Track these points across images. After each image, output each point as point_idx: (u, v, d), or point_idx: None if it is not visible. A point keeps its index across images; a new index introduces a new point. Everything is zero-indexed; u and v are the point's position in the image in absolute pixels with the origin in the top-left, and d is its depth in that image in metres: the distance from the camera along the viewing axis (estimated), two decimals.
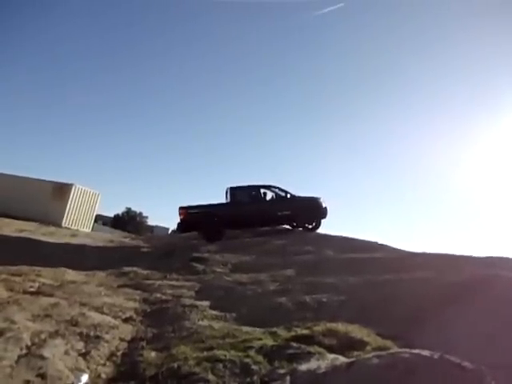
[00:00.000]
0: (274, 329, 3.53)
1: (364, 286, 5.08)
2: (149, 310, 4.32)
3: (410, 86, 63.65)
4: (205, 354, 2.81)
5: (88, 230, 18.15)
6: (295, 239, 10.21)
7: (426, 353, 2.00)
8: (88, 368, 2.68)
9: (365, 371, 2.04)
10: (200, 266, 7.19)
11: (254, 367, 2.51)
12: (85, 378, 2.42)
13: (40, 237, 10.14)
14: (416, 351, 2.03)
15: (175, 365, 2.59)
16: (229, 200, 11.64)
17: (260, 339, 3.18)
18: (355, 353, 2.79)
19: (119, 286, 5.43)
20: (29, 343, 2.88)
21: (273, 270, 6.58)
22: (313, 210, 11.57)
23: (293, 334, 3.33)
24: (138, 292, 5.12)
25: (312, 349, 2.82)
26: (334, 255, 7.55)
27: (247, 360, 2.63)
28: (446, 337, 3.22)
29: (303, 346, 2.90)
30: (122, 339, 3.31)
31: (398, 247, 8.77)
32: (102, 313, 3.94)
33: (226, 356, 2.71)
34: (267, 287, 5.35)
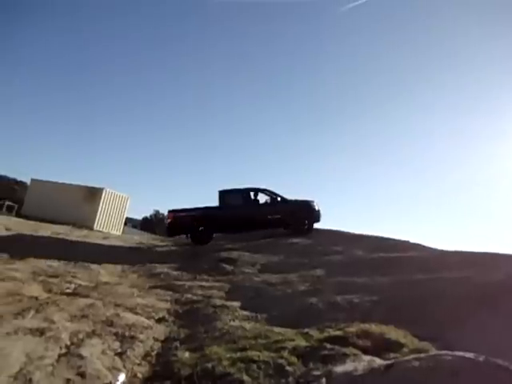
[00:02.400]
0: (306, 330, 3.49)
1: (397, 286, 4.95)
2: (180, 311, 4.36)
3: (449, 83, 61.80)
4: (238, 354, 2.81)
5: (118, 232, 18.66)
6: (323, 239, 10.11)
7: (470, 355, 1.91)
8: (124, 367, 2.72)
9: (404, 374, 1.97)
10: (229, 267, 7.22)
11: (289, 368, 2.49)
12: (122, 377, 2.47)
13: (75, 239, 10.51)
14: (459, 353, 1.95)
15: (209, 365, 2.60)
16: (218, 203, 11.54)
17: (292, 340, 3.15)
18: (392, 355, 2.71)
19: (151, 287, 5.52)
20: (68, 343, 2.97)
21: (302, 270, 6.52)
22: (304, 213, 11.40)
23: (325, 334, 3.28)
24: (169, 293, 5.20)
25: (347, 350, 2.76)
26: (364, 255, 7.41)
27: (281, 361, 2.61)
28: (486, 339, 3.08)
29: (337, 348, 2.84)
30: (155, 339, 3.36)
31: (431, 246, 8.51)
32: (136, 313, 4.02)
33: (259, 357, 2.70)
34: (297, 288, 5.30)
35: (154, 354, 3.05)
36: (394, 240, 9.18)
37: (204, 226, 11.05)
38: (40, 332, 3.06)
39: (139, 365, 2.81)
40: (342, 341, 3.03)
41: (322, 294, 4.85)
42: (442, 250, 7.70)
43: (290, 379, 2.34)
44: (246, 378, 2.36)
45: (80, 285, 5.00)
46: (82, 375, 2.49)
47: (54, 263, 6.11)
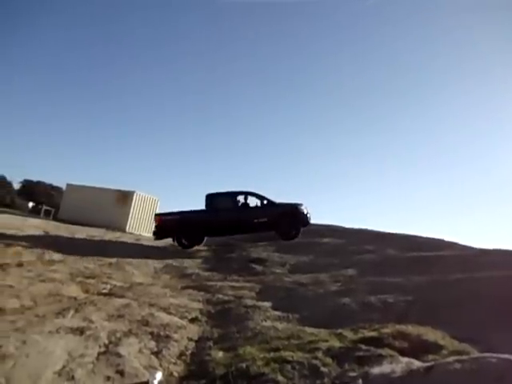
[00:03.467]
0: (340, 330, 3.44)
1: (432, 285, 4.80)
2: (213, 311, 4.41)
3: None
4: (271, 354, 2.81)
5: (149, 234, 19.08)
6: (353, 239, 9.95)
7: None
8: (161, 366, 2.78)
9: (446, 377, 1.90)
10: (259, 267, 7.24)
11: (324, 369, 2.46)
12: (159, 375, 2.52)
13: (109, 241, 10.85)
14: (504, 356, 1.86)
15: (243, 365, 2.61)
16: (205, 207, 11.42)
17: (326, 341, 3.11)
18: (430, 356, 2.63)
19: (183, 288, 5.61)
20: (106, 341, 3.06)
21: (333, 270, 6.45)
22: (291, 217, 11.13)
23: (360, 335, 3.22)
24: (201, 293, 5.26)
25: (382, 351, 2.70)
26: (396, 254, 7.24)
27: (315, 362, 2.58)
28: None
29: (373, 349, 2.78)
30: (189, 339, 3.41)
31: (468, 244, 8.20)
32: (170, 313, 4.09)
33: (293, 357, 2.68)
34: (329, 288, 5.25)
35: (188, 353, 3.09)
36: (427, 238, 8.92)
37: (189, 230, 11.00)
38: (80, 331, 3.17)
39: (175, 364, 2.86)
40: (377, 342, 2.97)
41: (355, 294, 4.77)
42: (481, 249, 7.40)
43: (326, 380, 2.31)
44: (280, 378, 2.35)
45: (115, 285, 5.15)
46: (121, 373, 2.56)
47: (91, 265, 6.32)
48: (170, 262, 8.17)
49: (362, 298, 4.57)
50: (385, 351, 2.70)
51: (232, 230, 11.48)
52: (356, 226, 12.60)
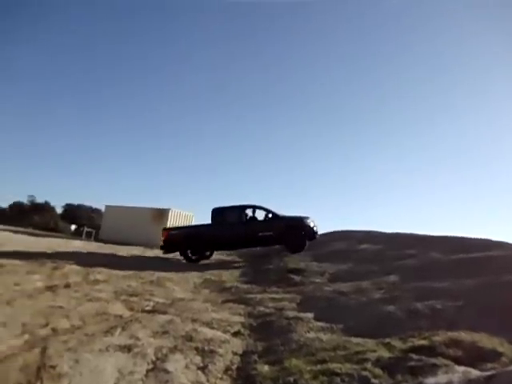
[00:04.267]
0: (387, 340, 3.33)
1: (483, 289, 4.55)
2: (255, 324, 4.38)
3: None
4: (318, 367, 2.75)
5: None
6: (393, 243, 9.65)
7: None
8: (208, 381, 2.78)
9: None
10: (297, 278, 7.16)
11: (375, 381, 2.37)
12: None
13: (148, 257, 11.12)
14: None
15: (291, 379, 2.57)
16: (211, 221, 11.54)
17: (374, 351, 3.02)
18: (489, 365, 2.48)
19: (223, 302, 5.63)
20: (153, 358, 3.10)
21: (374, 277, 6.27)
22: (296, 230, 10.94)
23: (409, 344, 3.10)
24: (242, 306, 5.25)
25: (436, 361, 2.58)
26: (441, 257, 6.92)
27: (365, 373, 2.50)
28: None
29: (425, 358, 2.67)
30: (234, 353, 3.39)
31: None
32: (212, 328, 4.11)
33: (341, 369, 2.61)
34: (372, 295, 5.09)
35: (234, 367, 3.07)
36: (472, 239, 8.48)
37: (194, 244, 11.15)
38: (128, 348, 3.24)
39: (221, 379, 2.85)
40: (429, 350, 2.84)
41: (400, 301, 4.61)
42: None
43: None
44: None
45: (158, 302, 5.24)
46: None
47: (133, 283, 6.48)
48: (208, 276, 8.24)
49: (408, 304, 4.40)
50: (438, 360, 2.58)
51: (237, 244, 11.60)
52: (394, 231, 12.21)
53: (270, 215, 11.29)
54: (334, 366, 2.70)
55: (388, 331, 3.63)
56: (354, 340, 3.45)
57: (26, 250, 9.05)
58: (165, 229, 11.81)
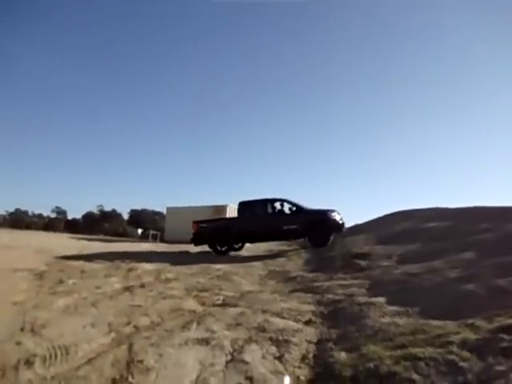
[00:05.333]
0: (470, 320, 3.12)
1: None
2: (325, 312, 4.34)
3: None
4: (399, 352, 2.65)
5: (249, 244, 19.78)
6: (464, 219, 9.05)
7: None
8: (286, 370, 2.80)
9: None
10: (363, 262, 6.98)
11: (463, 364, 2.24)
12: (287, 380, 2.54)
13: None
14: None
15: (371, 365, 2.50)
16: (237, 214, 11.83)
17: (457, 333, 2.84)
18: None
19: (291, 291, 5.65)
20: (230, 350, 3.20)
21: (447, 255, 5.92)
22: (320, 224, 10.74)
23: (497, 324, 2.88)
24: (310, 295, 5.23)
25: None
26: None
27: (451, 357, 2.37)
28: None
29: None
30: (308, 341, 3.39)
31: None
32: (283, 318, 4.13)
33: (424, 353, 2.50)
34: (447, 275, 4.81)
35: (310, 356, 3.07)
36: None
37: (222, 237, 11.46)
38: (205, 341, 3.37)
39: (299, 368, 2.86)
40: None
41: (479, 278, 4.30)
42: None
43: (470, 376, 2.09)
44: (415, 376, 2.20)
45: (227, 296, 5.39)
46: (251, 379, 2.64)
47: (201, 279, 6.72)
48: (272, 268, 8.32)
49: (489, 282, 4.09)
50: None
51: (262, 237, 11.82)
52: (462, 205, 11.44)
53: (295, 208, 11.29)
54: (415, 350, 2.59)
55: (469, 311, 3.41)
56: (433, 323, 3.28)
57: (102, 256, 9.74)
58: (195, 222, 12.13)
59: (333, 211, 11.05)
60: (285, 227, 11.06)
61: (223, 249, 11.49)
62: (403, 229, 10.39)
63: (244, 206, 11.86)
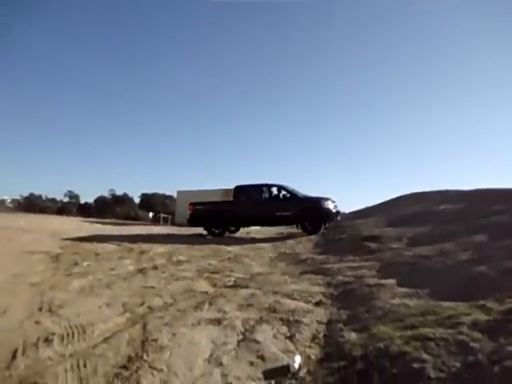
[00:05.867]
0: (481, 302, 3.11)
1: None
2: (335, 293, 4.38)
3: None
4: (409, 332, 2.67)
5: (258, 227, 19.89)
6: (475, 201, 8.94)
7: None
8: (297, 350, 2.86)
9: None
10: (373, 245, 6.98)
11: (474, 345, 2.25)
12: (298, 358, 2.59)
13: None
14: None
15: (381, 345, 2.53)
16: (233, 198, 11.83)
17: (468, 314, 2.85)
18: None
19: (301, 273, 5.70)
20: (242, 329, 3.27)
21: (458, 237, 5.89)
22: (312, 212, 10.81)
23: (508, 306, 2.87)
24: (320, 277, 5.27)
25: None
26: None
27: (462, 337, 2.38)
28: None
29: None
30: (319, 322, 3.43)
31: None
32: (294, 299, 4.19)
33: (434, 334, 2.51)
34: (458, 257, 4.79)
35: (320, 336, 3.12)
36: None
37: (215, 220, 11.62)
38: (217, 321, 3.45)
39: (310, 347, 2.91)
40: None
41: (491, 260, 4.27)
42: None
43: (480, 356, 2.11)
44: (426, 356, 2.22)
45: (238, 277, 5.47)
46: (262, 358, 2.71)
47: (212, 261, 6.81)
48: (282, 250, 8.38)
49: (501, 264, 4.06)
50: None
51: (255, 222, 11.99)
52: (472, 188, 11.27)
53: (289, 195, 11.37)
54: (425, 331, 2.61)
55: (481, 293, 3.40)
56: (444, 304, 3.29)
57: (115, 239, 9.90)
58: (191, 203, 12.30)
59: (327, 199, 11.14)
60: (278, 213, 11.23)
61: (217, 231, 11.71)
62: (414, 211, 10.32)
63: (239, 191, 11.97)
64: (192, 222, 12.16)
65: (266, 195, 11.65)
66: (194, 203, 12.25)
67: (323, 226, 10.97)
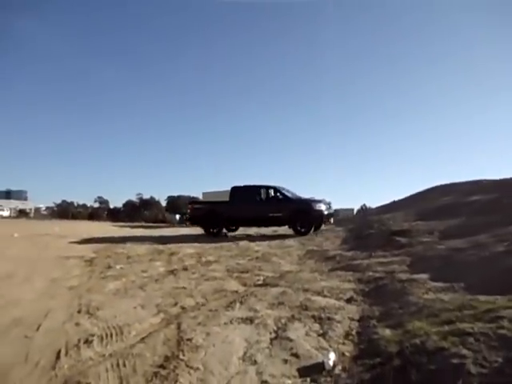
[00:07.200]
0: None
1: None
2: (367, 289, 4.32)
3: None
4: (446, 328, 2.61)
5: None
6: (509, 191, 8.60)
7: None
8: (330, 347, 2.85)
9: None
10: (403, 239, 6.84)
11: None
12: (332, 355, 2.58)
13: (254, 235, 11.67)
14: None
15: (417, 341, 2.48)
16: (229, 199, 11.97)
17: (508, 308, 2.75)
18: None
19: (330, 270, 5.66)
20: (274, 328, 3.28)
21: (493, 229, 5.68)
22: (303, 214, 10.99)
23: None
24: (350, 273, 5.22)
25: None
26: None
27: (503, 331, 2.30)
28: None
29: None
30: (351, 319, 3.41)
31: None
32: (324, 296, 4.17)
33: (473, 328, 2.44)
34: (494, 249, 4.62)
35: (353, 333, 3.09)
36: None
37: (211, 220, 11.81)
38: (250, 320, 3.48)
39: (343, 344, 2.89)
40: None
41: None
42: None
43: None
44: (465, 351, 2.16)
45: (267, 276, 5.49)
46: (296, 356, 2.71)
47: (241, 261, 6.87)
48: (310, 247, 8.34)
49: None
50: None
51: (249, 222, 12.26)
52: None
53: (282, 197, 11.60)
54: (463, 325, 2.54)
55: None
56: (481, 298, 3.18)
57: (145, 242, 10.15)
58: (190, 203, 12.64)
59: (319, 201, 11.37)
60: (270, 214, 11.45)
61: (214, 230, 11.88)
62: (444, 203, 10.05)
63: (235, 191, 12.15)
64: (190, 220, 12.55)
65: (260, 196, 11.87)
66: (193, 202, 12.55)
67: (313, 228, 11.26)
